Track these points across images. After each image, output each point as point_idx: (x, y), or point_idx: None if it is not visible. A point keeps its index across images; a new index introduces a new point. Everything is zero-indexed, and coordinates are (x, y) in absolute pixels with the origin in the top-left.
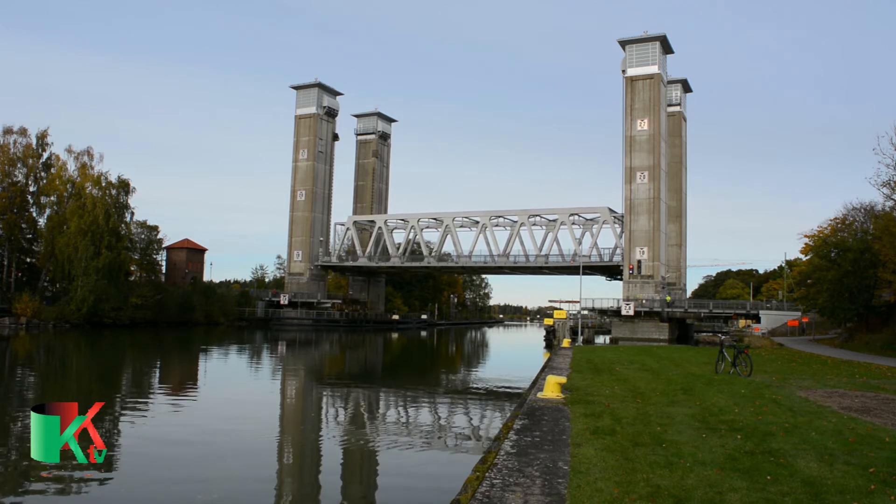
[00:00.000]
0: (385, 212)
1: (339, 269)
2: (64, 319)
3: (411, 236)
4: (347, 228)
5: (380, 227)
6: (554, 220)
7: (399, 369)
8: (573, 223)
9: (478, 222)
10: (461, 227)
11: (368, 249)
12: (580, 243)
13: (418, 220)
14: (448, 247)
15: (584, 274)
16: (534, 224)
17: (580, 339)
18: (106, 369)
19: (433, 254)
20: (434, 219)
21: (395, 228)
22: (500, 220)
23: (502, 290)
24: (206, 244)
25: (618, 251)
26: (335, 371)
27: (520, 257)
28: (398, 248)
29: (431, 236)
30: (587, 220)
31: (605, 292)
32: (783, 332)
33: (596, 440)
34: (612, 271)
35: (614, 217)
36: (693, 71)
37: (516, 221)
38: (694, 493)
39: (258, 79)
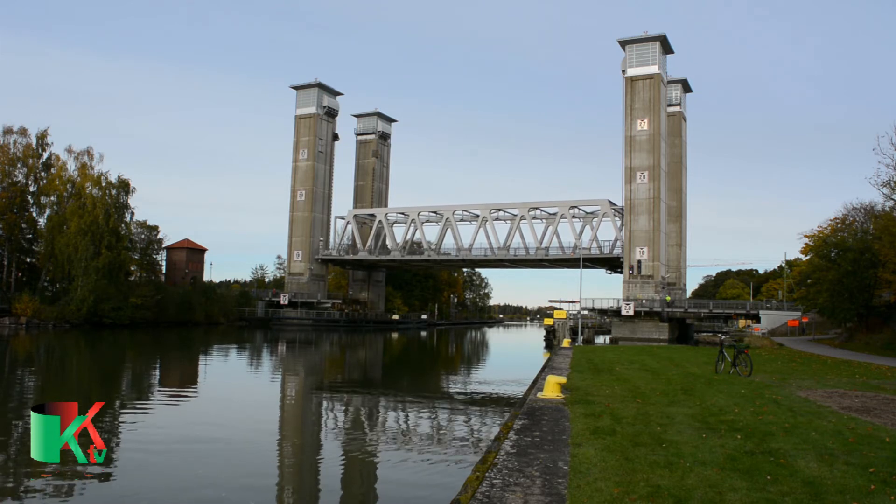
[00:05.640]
0: None
1: (340, 262)
2: (64, 319)
3: (411, 230)
4: (347, 222)
5: (380, 221)
6: (554, 214)
7: (399, 369)
8: (573, 216)
9: (478, 216)
10: (461, 220)
11: (369, 243)
12: (580, 236)
13: (418, 214)
14: (448, 242)
15: (584, 267)
16: (534, 217)
17: (580, 339)
18: (106, 369)
19: (433, 247)
20: (434, 212)
21: (396, 222)
22: (500, 213)
23: (502, 290)
24: (206, 244)
25: (618, 244)
26: (335, 371)
27: (520, 250)
28: (398, 244)
29: (432, 233)
30: (587, 213)
31: (605, 291)
32: (783, 332)
33: (596, 440)
34: (612, 264)
35: (614, 210)
36: (693, 71)
37: (516, 215)
38: (694, 493)
39: (258, 79)
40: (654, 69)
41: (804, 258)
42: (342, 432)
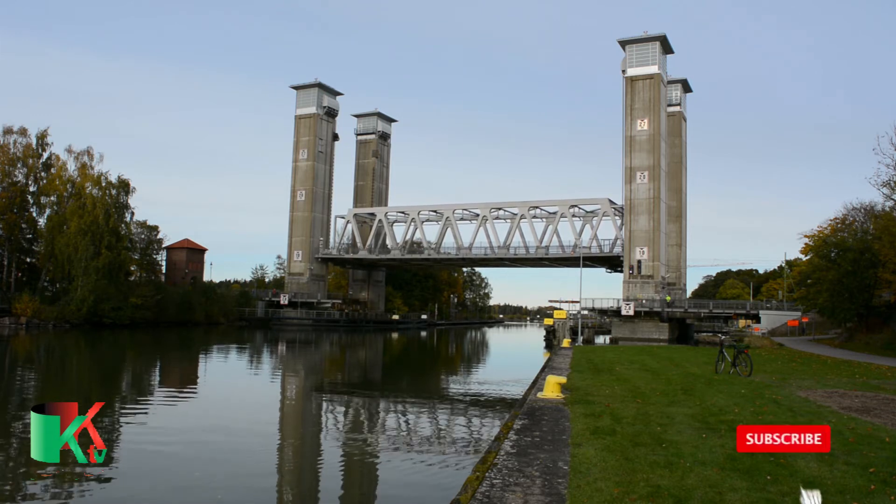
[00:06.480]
0: None
1: (340, 262)
2: (64, 319)
3: (411, 230)
4: (347, 221)
5: (380, 220)
6: (554, 213)
7: (399, 370)
8: (573, 215)
9: (478, 215)
10: (461, 220)
11: (369, 243)
12: (580, 235)
13: (418, 213)
14: (448, 241)
15: (584, 266)
16: (534, 216)
17: (580, 339)
18: (106, 369)
19: (432, 246)
20: (434, 211)
21: (396, 222)
22: (500, 212)
23: (502, 290)
24: (206, 244)
25: (618, 242)
26: (335, 371)
27: (520, 249)
28: (398, 244)
29: (432, 232)
30: (587, 212)
31: (605, 291)
32: (783, 332)
33: (596, 440)
34: (612, 263)
35: (614, 209)
36: (693, 71)
37: (516, 214)
38: (694, 493)
39: (258, 79)
40: (654, 69)
41: (804, 258)
42: (342, 432)
